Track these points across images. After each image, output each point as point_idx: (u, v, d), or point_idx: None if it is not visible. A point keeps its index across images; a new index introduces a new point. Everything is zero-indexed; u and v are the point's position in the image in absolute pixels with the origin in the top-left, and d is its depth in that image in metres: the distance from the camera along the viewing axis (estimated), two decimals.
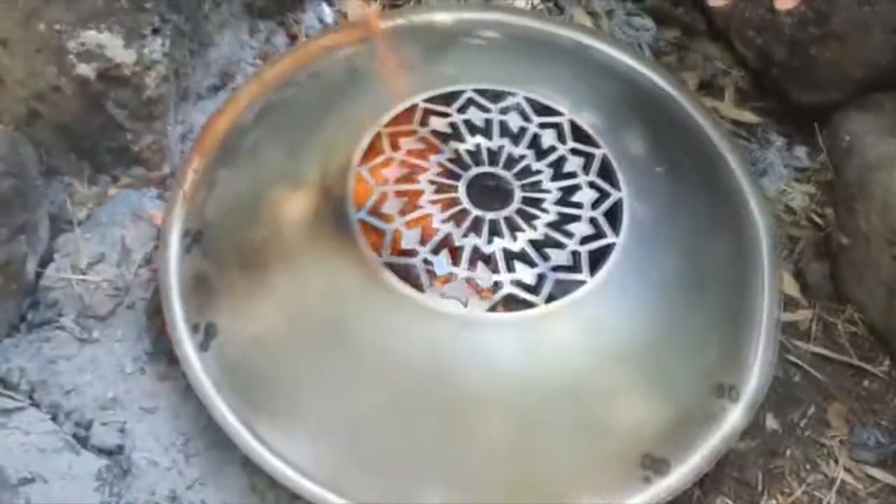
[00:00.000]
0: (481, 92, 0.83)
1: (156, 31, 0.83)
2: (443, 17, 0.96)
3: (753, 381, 0.78)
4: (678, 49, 1.13)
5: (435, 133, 0.80)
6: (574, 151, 0.80)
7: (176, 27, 0.86)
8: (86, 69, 0.82)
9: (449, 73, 0.85)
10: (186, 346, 0.76)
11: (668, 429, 0.74)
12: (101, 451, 0.77)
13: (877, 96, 0.97)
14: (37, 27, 0.81)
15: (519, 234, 0.75)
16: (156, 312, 0.84)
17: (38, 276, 0.84)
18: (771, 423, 0.86)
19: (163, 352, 0.83)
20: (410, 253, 0.73)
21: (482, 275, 0.73)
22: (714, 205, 0.85)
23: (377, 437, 0.71)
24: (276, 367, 0.73)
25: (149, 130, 0.88)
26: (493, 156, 0.80)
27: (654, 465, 0.73)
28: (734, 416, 0.76)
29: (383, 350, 0.71)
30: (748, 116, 1.06)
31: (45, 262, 0.85)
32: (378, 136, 0.79)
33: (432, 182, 0.77)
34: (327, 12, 1.08)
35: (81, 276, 0.83)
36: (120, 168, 0.91)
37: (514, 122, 0.81)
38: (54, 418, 0.78)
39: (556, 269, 0.74)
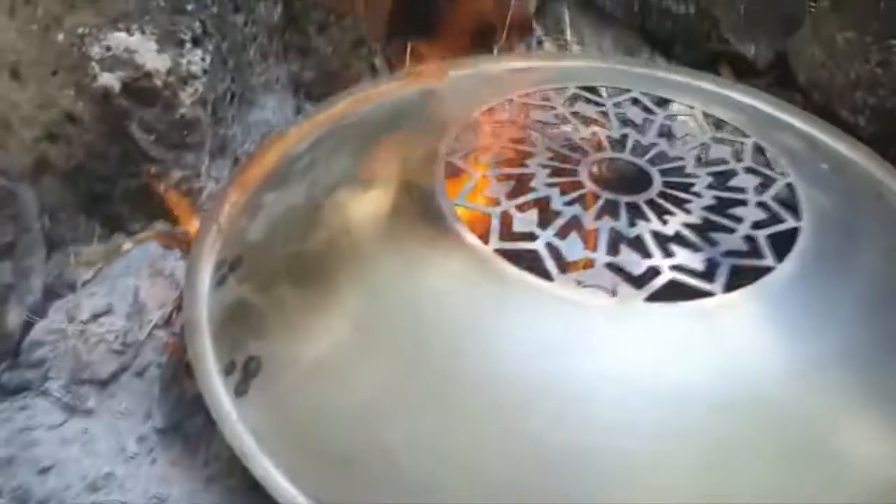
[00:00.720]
0: (587, 89, 0.68)
1: (196, 42, 0.70)
2: (517, 65, 0.83)
3: None
4: None
5: (539, 123, 0.64)
6: (717, 140, 0.64)
7: (218, 49, 0.73)
8: (109, 79, 0.68)
9: (544, 77, 0.70)
10: (218, 392, 0.54)
11: None
12: None
13: None
14: (55, 39, 0.68)
15: (670, 218, 0.56)
16: (172, 382, 0.63)
17: (23, 336, 0.64)
18: None
19: (178, 430, 0.61)
20: (528, 237, 0.54)
21: (630, 259, 0.53)
22: (889, 213, 0.66)
23: (511, 491, 0.47)
24: (347, 399, 0.51)
25: (178, 163, 0.71)
26: (617, 143, 0.63)
27: None
28: None
29: (503, 356, 0.50)
30: None
31: (33, 317, 0.65)
32: (469, 126, 0.62)
33: (544, 166, 0.59)
34: None
35: (80, 326, 0.63)
36: (138, 222, 0.74)
37: (635, 114, 0.65)
38: None
39: (728, 254, 0.54)
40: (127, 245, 0.72)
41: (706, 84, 0.79)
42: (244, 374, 0.55)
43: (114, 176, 0.72)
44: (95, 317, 0.64)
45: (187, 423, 0.61)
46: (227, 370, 0.56)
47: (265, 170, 0.70)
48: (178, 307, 0.67)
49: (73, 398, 0.60)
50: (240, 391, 0.54)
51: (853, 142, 0.75)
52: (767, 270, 0.53)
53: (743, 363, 0.50)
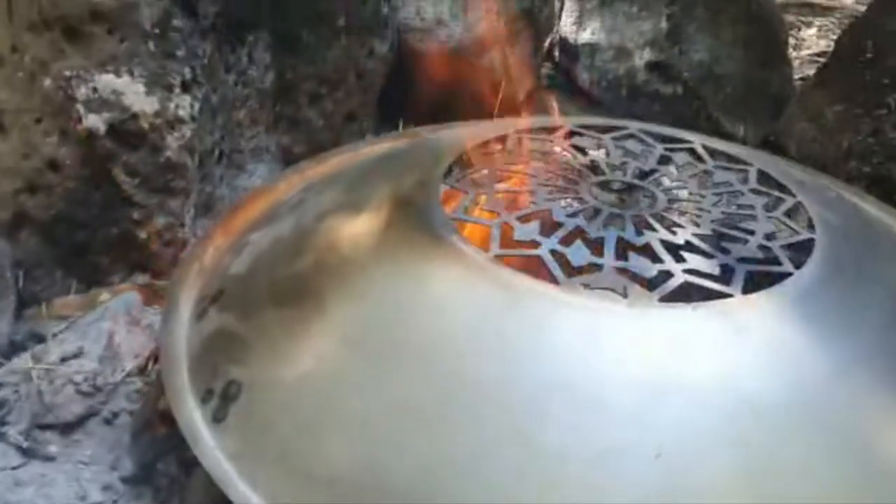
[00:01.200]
0: (584, 126, 0.66)
1: (186, 88, 0.69)
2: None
3: None
4: None
5: (537, 151, 0.62)
6: (720, 167, 0.62)
7: (207, 100, 0.72)
8: (95, 121, 0.66)
9: (541, 120, 0.69)
10: (195, 420, 0.49)
11: None
12: None
13: None
14: (41, 85, 0.67)
15: (678, 230, 0.53)
16: (145, 430, 0.58)
17: None
18: None
19: (148, 481, 0.55)
20: (531, 244, 0.51)
21: (640, 263, 0.50)
22: None
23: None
24: (337, 415, 0.46)
25: (162, 209, 0.69)
26: (618, 168, 0.61)
27: None
28: None
29: (510, 361, 0.45)
30: None
31: None
32: (465, 154, 0.61)
33: (544, 185, 0.57)
34: None
35: (47, 366, 0.58)
36: (118, 273, 0.70)
37: (633, 146, 0.64)
38: None
39: (743, 260, 0.51)
40: (104, 297, 0.68)
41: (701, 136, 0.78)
42: (223, 400, 0.50)
43: (94, 223, 0.69)
44: (64, 360, 0.59)
45: (158, 474, 0.56)
46: (205, 398, 0.51)
47: (251, 217, 0.67)
48: (155, 358, 0.63)
49: (33, 443, 0.55)
50: (218, 417, 0.49)
51: (846, 185, 0.74)
52: (786, 276, 0.50)
53: (769, 363, 0.46)
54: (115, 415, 0.58)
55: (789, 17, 1.42)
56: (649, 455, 0.42)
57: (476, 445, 0.44)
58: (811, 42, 1.46)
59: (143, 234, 0.68)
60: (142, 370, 0.62)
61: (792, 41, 1.40)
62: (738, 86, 1.06)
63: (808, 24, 1.52)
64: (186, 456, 0.57)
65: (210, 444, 0.48)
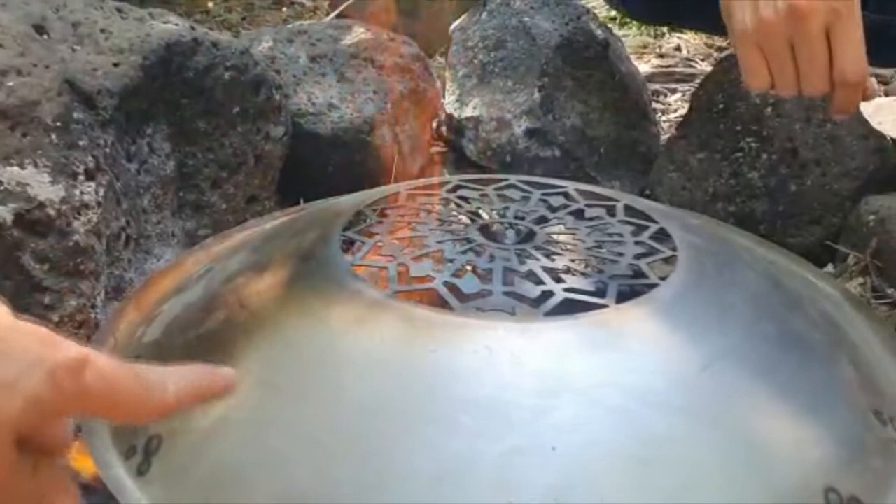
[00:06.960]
0: (468, 181, 0.73)
1: (90, 176, 0.72)
2: None
3: None
4: None
5: (425, 206, 0.68)
6: (590, 205, 0.69)
7: (112, 186, 0.76)
8: (1, 212, 0.68)
9: (429, 180, 0.75)
10: (120, 476, 0.51)
11: (842, 457, 0.51)
12: None
13: None
14: None
15: (557, 257, 0.59)
16: None
17: None
18: None
19: None
20: (425, 279, 0.56)
21: (525, 286, 0.55)
22: (753, 254, 0.71)
23: None
24: (254, 450, 0.49)
25: (73, 292, 0.71)
26: (499, 213, 0.67)
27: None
28: None
29: (417, 385, 0.49)
30: None
31: None
32: (360, 213, 0.66)
33: (434, 230, 0.62)
34: None
35: None
36: None
37: (514, 193, 0.70)
38: None
39: (615, 277, 0.57)
40: None
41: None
42: (145, 455, 0.52)
43: None
44: None
45: None
46: (128, 454, 0.53)
47: (162, 291, 0.70)
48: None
49: None
50: (142, 471, 0.51)
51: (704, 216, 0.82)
52: (654, 287, 0.56)
53: (646, 361, 0.51)
54: None
55: (654, 86, 1.55)
56: (547, 450, 0.46)
57: (392, 462, 0.47)
58: (677, 106, 1.60)
59: (55, 318, 0.70)
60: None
61: (660, 106, 1.53)
62: (610, 146, 1.15)
63: (672, 91, 1.66)
64: None
65: (136, 496, 0.50)
